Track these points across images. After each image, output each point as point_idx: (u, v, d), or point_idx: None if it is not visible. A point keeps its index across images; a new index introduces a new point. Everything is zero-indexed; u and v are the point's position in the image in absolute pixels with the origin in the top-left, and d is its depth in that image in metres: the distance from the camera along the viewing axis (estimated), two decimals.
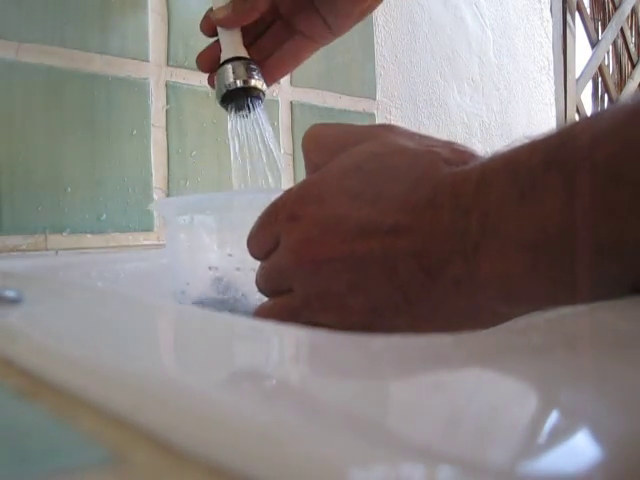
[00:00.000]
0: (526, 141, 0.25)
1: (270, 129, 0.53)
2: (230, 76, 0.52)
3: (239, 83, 0.52)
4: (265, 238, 0.32)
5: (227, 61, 0.53)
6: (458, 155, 0.29)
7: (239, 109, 0.53)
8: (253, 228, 0.33)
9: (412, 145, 0.30)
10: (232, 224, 0.42)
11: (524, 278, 0.24)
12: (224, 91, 0.52)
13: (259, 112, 0.53)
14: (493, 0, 1.08)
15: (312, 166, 0.33)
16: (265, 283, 0.33)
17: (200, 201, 0.45)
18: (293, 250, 0.30)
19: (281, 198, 0.32)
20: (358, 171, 0.29)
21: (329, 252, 0.28)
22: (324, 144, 0.33)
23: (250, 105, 0.53)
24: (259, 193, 0.46)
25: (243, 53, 0.53)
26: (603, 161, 0.21)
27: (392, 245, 0.27)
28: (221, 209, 0.43)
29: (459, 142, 0.31)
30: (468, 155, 0.29)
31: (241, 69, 0.53)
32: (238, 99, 0.53)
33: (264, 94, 0.53)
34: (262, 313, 0.33)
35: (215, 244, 0.42)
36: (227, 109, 0.54)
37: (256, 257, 0.33)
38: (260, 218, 0.33)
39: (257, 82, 0.53)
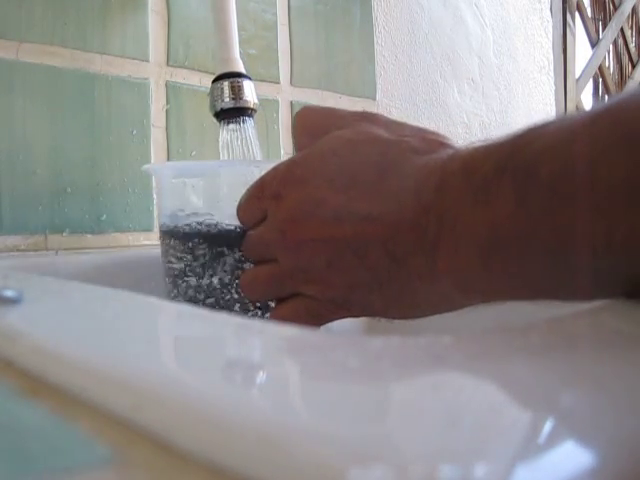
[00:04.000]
0: (483, 144, 0.27)
1: (258, 143, 0.57)
2: (225, 95, 0.56)
3: (232, 103, 0.55)
4: (253, 210, 0.35)
5: (222, 77, 0.55)
6: (428, 144, 0.31)
7: (230, 124, 0.57)
8: (242, 198, 0.36)
9: (385, 134, 0.32)
10: (218, 189, 0.45)
11: (478, 275, 0.26)
12: (218, 109, 0.56)
13: (249, 127, 0.57)
14: (493, 0, 1.08)
15: (300, 147, 0.35)
16: (252, 250, 0.36)
17: (191, 167, 0.49)
18: (278, 228, 0.32)
19: (268, 174, 0.34)
20: (334, 156, 0.31)
21: (310, 234, 0.31)
22: (310, 126, 0.35)
23: (241, 121, 0.57)
24: (246, 164, 0.51)
25: (238, 68, 0.56)
26: (546, 177, 0.23)
27: (363, 231, 0.29)
28: (210, 175, 0.46)
29: (432, 130, 0.33)
30: (438, 144, 0.31)
31: (235, 87, 0.56)
32: (230, 116, 0.56)
33: (255, 110, 0.57)
34: (248, 279, 0.36)
35: (201, 204, 0.45)
36: (219, 122, 0.57)
37: (245, 225, 0.36)
38: (249, 191, 0.35)
39: (249, 100, 0.56)
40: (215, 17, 0.58)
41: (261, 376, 0.17)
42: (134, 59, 0.65)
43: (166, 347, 0.22)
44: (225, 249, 0.40)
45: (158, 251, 0.45)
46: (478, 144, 0.27)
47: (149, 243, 0.65)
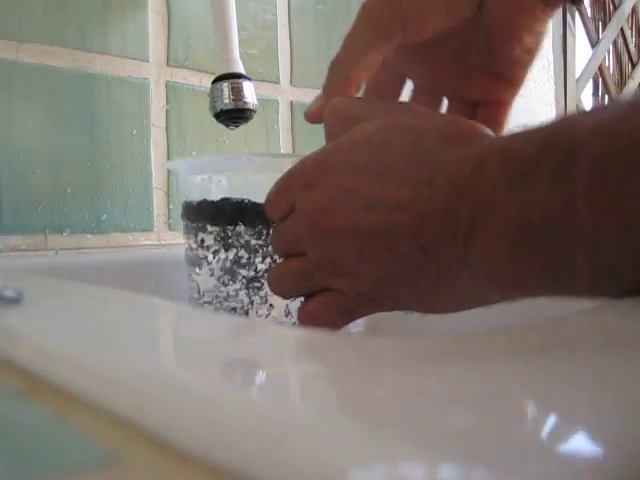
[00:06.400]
0: (523, 130, 0.26)
1: None
2: (225, 96, 0.56)
3: (232, 104, 0.56)
4: (281, 203, 0.34)
5: (222, 77, 0.55)
6: (463, 133, 0.30)
7: (230, 124, 0.58)
8: (270, 192, 0.35)
9: (419, 123, 0.31)
10: (241, 185, 0.45)
11: (504, 263, 0.25)
12: (218, 110, 0.57)
13: None
14: None
15: (330, 138, 0.35)
16: (279, 244, 0.35)
17: (214, 162, 0.48)
18: (307, 218, 0.32)
19: (298, 165, 0.34)
20: (366, 145, 0.31)
21: (339, 223, 0.30)
22: (341, 117, 0.34)
23: (241, 120, 0.58)
24: (272, 157, 0.50)
25: (238, 69, 0.56)
26: (588, 160, 0.22)
27: (393, 221, 0.28)
28: (233, 170, 0.46)
29: (468, 119, 0.32)
30: (473, 133, 0.30)
31: (235, 88, 0.56)
32: (230, 117, 0.57)
33: (254, 111, 0.58)
34: (276, 275, 0.35)
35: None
36: (219, 121, 0.58)
37: (272, 219, 0.35)
38: (277, 183, 0.34)
39: (249, 101, 0.57)
40: (215, 17, 0.58)
41: (261, 376, 0.17)
42: (134, 59, 0.65)
43: (166, 347, 0.22)
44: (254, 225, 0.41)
45: (158, 251, 0.46)
46: (517, 131, 0.26)
47: (149, 243, 0.65)
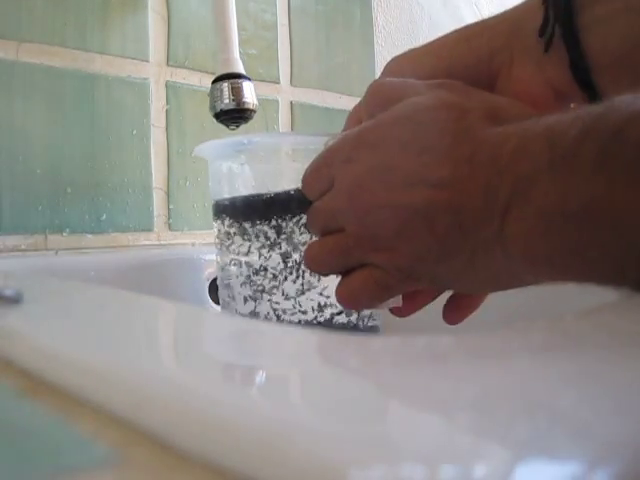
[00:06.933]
0: (569, 111, 0.25)
1: None
2: (224, 96, 0.56)
3: (231, 105, 0.56)
4: (321, 178, 0.34)
5: (222, 77, 0.56)
6: (507, 112, 0.29)
7: (230, 124, 0.58)
8: (308, 168, 0.35)
9: (461, 101, 0.30)
10: (270, 171, 0.44)
11: (537, 244, 0.25)
12: (218, 110, 0.57)
13: None
14: (493, 0, 1.08)
15: (371, 118, 0.34)
16: (316, 221, 0.35)
17: (242, 144, 0.45)
18: (347, 193, 0.31)
19: (338, 141, 0.33)
20: (408, 122, 0.30)
21: (378, 199, 0.30)
22: (382, 98, 0.34)
23: (241, 120, 0.58)
24: (305, 136, 0.46)
25: (238, 69, 0.56)
26: (634, 146, 0.22)
27: (433, 199, 0.28)
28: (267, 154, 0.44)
29: (513, 99, 0.32)
30: (518, 112, 0.30)
31: (235, 88, 0.56)
32: (230, 117, 0.57)
33: (254, 111, 0.58)
34: (313, 251, 0.34)
35: (252, 186, 0.43)
36: (219, 121, 0.58)
37: (310, 195, 0.35)
38: (316, 160, 0.34)
39: (249, 101, 0.57)
40: (215, 17, 0.58)
41: (261, 376, 0.17)
42: (134, 59, 0.65)
43: (166, 347, 0.22)
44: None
45: (158, 251, 0.45)
46: (564, 111, 0.26)
47: (149, 243, 0.65)
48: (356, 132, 0.32)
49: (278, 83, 0.77)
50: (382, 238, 0.30)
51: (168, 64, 0.68)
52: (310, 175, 0.34)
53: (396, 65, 0.38)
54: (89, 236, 0.61)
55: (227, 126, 0.59)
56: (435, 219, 0.28)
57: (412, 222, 0.29)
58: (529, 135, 0.26)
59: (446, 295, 0.36)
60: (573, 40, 0.34)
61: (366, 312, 0.44)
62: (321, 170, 0.33)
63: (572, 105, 0.29)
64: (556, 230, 0.24)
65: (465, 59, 0.35)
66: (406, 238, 0.30)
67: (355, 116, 0.37)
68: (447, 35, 0.37)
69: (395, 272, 0.31)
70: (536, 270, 0.27)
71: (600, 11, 0.34)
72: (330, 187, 0.33)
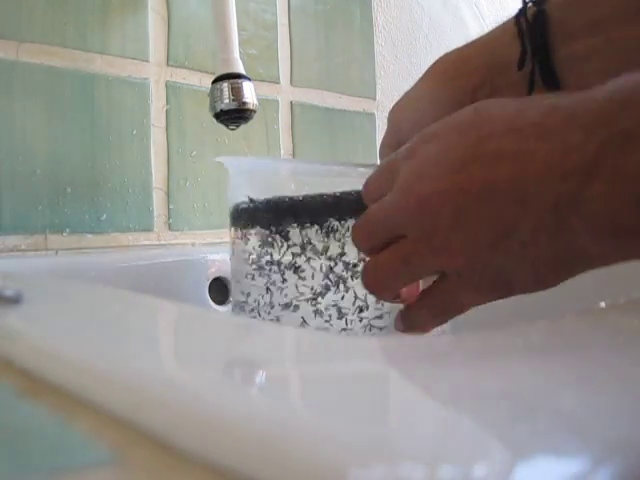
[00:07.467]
0: None
1: None
2: (225, 96, 0.56)
3: (232, 105, 0.56)
4: (381, 182, 0.33)
5: (222, 77, 0.56)
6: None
7: (230, 124, 0.58)
8: (373, 173, 0.34)
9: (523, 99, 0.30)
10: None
11: (624, 208, 0.23)
12: (218, 110, 0.57)
13: None
14: (493, 0, 1.08)
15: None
16: (367, 232, 0.33)
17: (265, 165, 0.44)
18: (402, 188, 0.30)
19: (400, 149, 0.33)
20: (472, 110, 0.30)
21: (433, 185, 0.29)
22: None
23: (241, 120, 0.58)
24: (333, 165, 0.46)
25: (238, 69, 0.56)
26: None
27: (491, 176, 0.27)
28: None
29: None
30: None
31: (235, 88, 0.56)
32: (230, 117, 0.57)
33: (254, 111, 0.58)
34: (370, 269, 0.33)
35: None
36: (219, 121, 0.58)
37: (368, 199, 0.34)
38: (381, 164, 0.34)
39: (249, 101, 0.56)
40: (215, 17, 0.58)
41: (261, 376, 0.17)
42: (134, 59, 0.65)
43: (166, 347, 0.22)
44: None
45: (158, 251, 0.45)
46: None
47: (149, 243, 0.65)
48: (417, 136, 0.32)
49: (278, 83, 0.77)
50: (437, 232, 0.29)
51: (168, 64, 0.68)
52: (373, 179, 0.34)
53: (396, 116, 0.40)
54: (89, 236, 0.61)
55: (227, 126, 0.59)
56: (495, 198, 0.26)
57: (466, 205, 0.27)
58: (626, 90, 0.23)
59: None
60: (551, 77, 0.34)
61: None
62: (384, 172, 0.33)
63: None
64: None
65: (451, 100, 0.37)
66: (459, 227, 0.28)
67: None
68: (433, 76, 0.39)
69: (456, 278, 0.30)
70: (614, 243, 0.24)
71: (579, 48, 0.34)
72: (391, 187, 0.31)
